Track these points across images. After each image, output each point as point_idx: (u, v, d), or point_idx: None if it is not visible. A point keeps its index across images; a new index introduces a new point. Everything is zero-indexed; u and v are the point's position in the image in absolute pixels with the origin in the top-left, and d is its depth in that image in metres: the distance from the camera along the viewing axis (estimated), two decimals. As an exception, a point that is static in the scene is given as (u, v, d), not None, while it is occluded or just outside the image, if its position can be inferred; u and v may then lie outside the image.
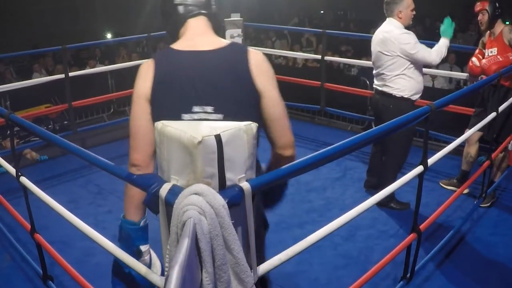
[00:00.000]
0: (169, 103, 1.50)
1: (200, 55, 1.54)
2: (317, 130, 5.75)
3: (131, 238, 1.66)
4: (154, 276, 1.64)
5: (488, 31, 3.67)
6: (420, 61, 3.42)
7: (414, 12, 3.48)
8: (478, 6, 3.57)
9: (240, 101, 1.50)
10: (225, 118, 1.46)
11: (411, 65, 3.44)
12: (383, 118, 3.52)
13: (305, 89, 5.78)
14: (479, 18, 3.59)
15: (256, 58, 1.57)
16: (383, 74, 3.53)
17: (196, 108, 1.48)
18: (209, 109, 1.48)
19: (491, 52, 3.60)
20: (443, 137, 4.44)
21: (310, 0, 13.43)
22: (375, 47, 3.56)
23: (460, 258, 3.07)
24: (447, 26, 3.61)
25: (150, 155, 1.54)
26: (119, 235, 1.71)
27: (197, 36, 1.61)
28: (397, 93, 3.48)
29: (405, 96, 3.48)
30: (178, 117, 1.47)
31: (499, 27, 3.58)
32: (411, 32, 3.44)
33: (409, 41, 3.36)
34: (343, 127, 5.93)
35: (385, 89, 3.54)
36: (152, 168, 1.55)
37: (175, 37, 1.67)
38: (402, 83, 3.46)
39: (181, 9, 1.63)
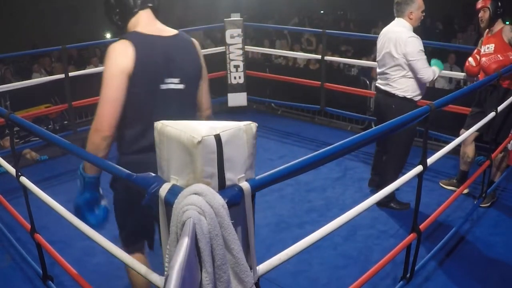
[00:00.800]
0: (147, 77, 1.87)
1: (166, 39, 1.96)
2: (317, 130, 5.75)
3: (94, 186, 2.00)
4: (154, 276, 1.64)
5: (487, 29, 3.67)
6: (415, 70, 3.38)
7: (423, 14, 3.46)
8: (480, 3, 3.56)
9: (194, 74, 2.04)
10: (185, 87, 1.96)
11: (408, 68, 3.42)
12: (385, 118, 3.52)
13: (305, 89, 5.79)
14: (480, 15, 3.58)
15: (197, 43, 2.09)
16: (387, 73, 3.52)
17: (167, 80, 1.91)
18: (176, 80, 1.93)
19: (488, 48, 3.58)
20: (443, 137, 4.44)
21: (310, 0, 13.43)
22: (382, 46, 3.54)
23: (460, 258, 3.07)
24: (438, 64, 3.61)
25: (115, 125, 1.86)
26: (81, 188, 1.99)
27: (155, 24, 2.00)
28: (400, 93, 3.47)
29: (408, 97, 3.47)
30: (157, 87, 1.89)
31: (499, 25, 3.57)
32: (419, 38, 3.40)
33: (414, 48, 3.34)
34: (343, 127, 5.93)
35: (388, 88, 3.53)
36: (112, 138, 1.88)
37: (124, 27, 2.00)
38: (406, 83, 3.45)
39: (133, 1, 1.96)
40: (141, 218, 2.04)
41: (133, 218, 2.12)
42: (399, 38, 3.37)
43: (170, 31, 2.00)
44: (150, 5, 1.98)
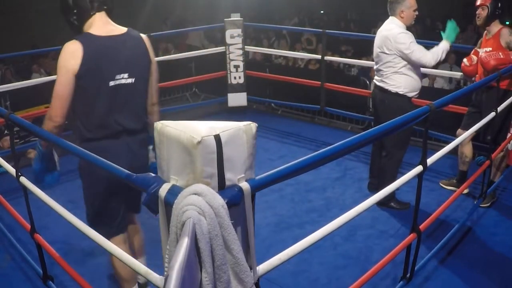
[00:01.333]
0: (94, 75, 2.08)
1: (116, 38, 2.16)
2: (317, 130, 5.75)
3: (48, 157, 2.42)
4: (154, 276, 1.64)
5: (485, 31, 3.66)
6: (415, 61, 3.44)
7: (416, 13, 3.50)
8: (480, 0, 3.53)
9: (143, 68, 2.24)
10: (135, 80, 2.19)
11: (408, 63, 3.46)
12: (379, 113, 3.68)
13: (305, 89, 5.79)
14: (478, 11, 3.56)
15: (147, 39, 2.28)
16: (381, 70, 3.59)
17: (117, 76, 2.14)
18: (125, 75, 2.16)
19: (485, 52, 3.56)
20: (442, 137, 4.44)
21: (310, 0, 13.43)
22: (376, 43, 3.61)
23: (460, 258, 3.07)
24: (450, 30, 3.61)
25: (64, 115, 2.13)
26: (38, 158, 2.35)
27: (107, 25, 2.18)
28: (392, 89, 3.53)
29: (400, 92, 3.52)
30: (105, 84, 2.11)
31: (496, 27, 3.55)
32: (409, 32, 3.46)
33: (405, 41, 3.39)
34: (343, 127, 5.93)
35: (382, 84, 3.61)
36: (61, 126, 2.17)
37: (80, 27, 2.17)
38: (398, 79, 3.50)
39: (90, 4, 2.14)
40: (107, 201, 2.31)
41: (100, 201, 2.33)
42: (389, 35, 3.44)
43: (120, 30, 2.19)
44: (105, 7, 2.19)
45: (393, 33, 3.42)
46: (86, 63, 2.05)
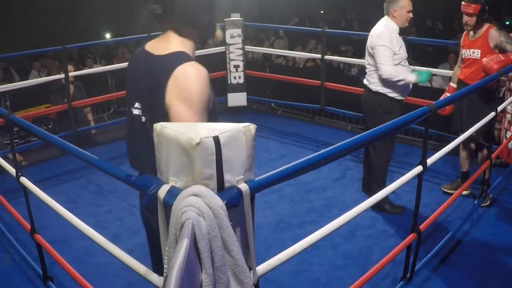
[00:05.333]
0: (128, 94, 1.74)
1: (149, 58, 1.62)
2: (317, 130, 5.75)
3: None
4: (154, 276, 1.64)
5: (466, 30, 3.62)
6: (376, 61, 3.41)
7: (410, 15, 3.47)
8: (467, 8, 3.44)
9: (156, 109, 1.54)
10: (146, 121, 1.60)
11: (394, 61, 3.41)
12: (363, 111, 3.70)
13: (305, 89, 5.78)
14: (465, 19, 3.50)
15: (178, 74, 1.49)
16: (366, 67, 3.61)
17: (136, 104, 1.65)
18: (141, 109, 1.64)
19: (473, 53, 3.54)
20: (443, 135, 4.43)
21: (310, 0, 13.43)
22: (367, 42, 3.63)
23: (460, 258, 3.07)
24: (425, 75, 3.54)
25: None
26: None
27: (162, 39, 1.64)
28: (373, 87, 3.54)
29: (381, 92, 3.49)
30: (129, 108, 1.69)
31: (483, 27, 3.50)
32: (395, 37, 3.40)
33: (380, 42, 3.37)
34: (343, 127, 5.93)
35: (365, 81, 3.63)
36: None
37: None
38: (378, 77, 3.48)
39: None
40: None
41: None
42: (375, 33, 3.46)
43: (166, 50, 1.59)
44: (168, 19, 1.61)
45: (378, 31, 3.44)
46: (126, 75, 1.76)
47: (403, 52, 3.46)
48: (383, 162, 3.63)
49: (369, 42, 3.52)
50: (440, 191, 3.92)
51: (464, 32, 3.69)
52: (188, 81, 1.48)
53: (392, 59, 3.38)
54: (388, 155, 3.64)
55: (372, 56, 3.49)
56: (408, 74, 3.44)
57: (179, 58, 1.53)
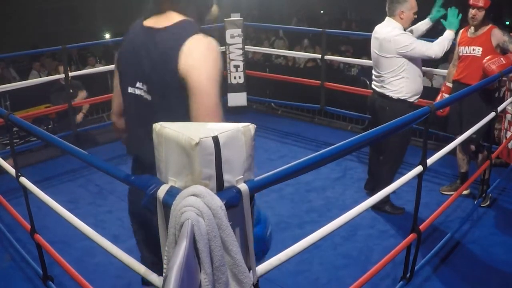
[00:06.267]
0: (123, 74, 1.67)
1: (152, 33, 1.55)
2: (317, 130, 5.75)
3: None
4: (154, 276, 1.64)
5: (468, 27, 3.59)
6: (419, 57, 3.36)
7: (415, 16, 3.42)
8: (478, 1, 3.42)
9: (166, 83, 1.49)
10: (152, 99, 1.55)
11: (408, 66, 3.37)
12: (378, 120, 3.49)
13: (305, 89, 5.78)
14: (473, 13, 3.45)
15: (190, 45, 1.46)
16: (381, 76, 3.50)
17: (138, 84, 1.59)
18: (145, 87, 1.57)
19: (473, 50, 3.51)
20: (442, 135, 4.43)
21: (310, 0, 13.43)
22: (373, 48, 3.54)
23: (460, 258, 3.07)
24: (452, 17, 3.49)
25: (118, 113, 1.81)
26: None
27: (161, 14, 1.59)
28: (393, 94, 3.44)
29: (402, 98, 3.43)
30: (126, 89, 1.64)
31: (486, 25, 3.48)
32: (407, 33, 3.38)
33: (405, 42, 3.31)
34: (343, 127, 5.93)
35: (382, 90, 3.51)
36: (120, 123, 1.81)
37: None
38: (399, 84, 3.41)
39: None
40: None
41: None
42: (388, 38, 3.35)
43: (166, 22, 1.55)
44: None
45: (392, 35, 3.33)
46: (119, 55, 1.69)
47: None
48: (391, 170, 3.55)
49: (379, 49, 3.42)
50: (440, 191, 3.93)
51: (462, 30, 3.65)
52: (203, 52, 1.46)
53: (422, 41, 3.34)
54: (396, 165, 3.58)
55: (383, 63, 3.40)
56: (445, 35, 3.41)
57: (187, 28, 1.51)
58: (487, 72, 3.39)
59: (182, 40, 1.47)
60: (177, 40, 1.47)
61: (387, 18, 3.46)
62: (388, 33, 3.37)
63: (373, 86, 3.68)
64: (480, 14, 3.44)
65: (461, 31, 3.67)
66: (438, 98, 3.76)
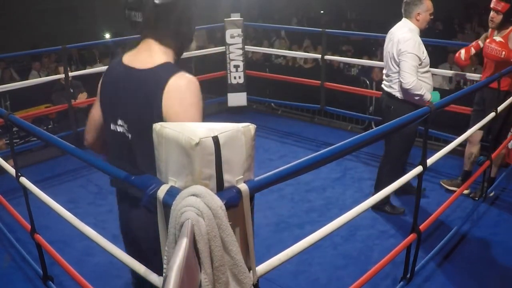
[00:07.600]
0: (105, 111, 1.68)
1: (132, 73, 1.56)
2: (317, 130, 5.75)
3: None
4: (153, 276, 1.64)
5: (490, 30, 3.63)
6: (401, 68, 3.31)
7: (432, 17, 3.41)
8: (498, 5, 3.45)
9: (145, 125, 1.46)
10: (132, 138, 1.57)
11: (418, 68, 3.34)
12: (384, 119, 3.50)
13: (305, 89, 5.79)
14: (492, 15, 3.50)
15: (172, 86, 1.46)
16: (389, 75, 3.48)
17: (120, 122, 1.60)
18: (126, 126, 1.58)
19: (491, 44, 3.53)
20: (443, 136, 4.43)
21: (310, 0, 13.44)
22: (385, 46, 3.53)
23: (460, 258, 3.07)
24: (437, 96, 3.44)
25: (95, 137, 1.79)
26: None
27: (142, 52, 1.59)
28: (399, 95, 3.42)
29: (407, 99, 3.41)
30: (109, 125, 1.65)
31: (507, 28, 3.50)
32: (420, 42, 3.34)
33: (404, 49, 3.28)
34: (343, 127, 5.93)
35: (390, 90, 3.49)
36: (98, 147, 1.82)
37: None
38: (399, 85, 3.39)
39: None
40: None
41: None
42: (400, 38, 3.33)
43: (149, 63, 1.54)
44: (150, 31, 1.59)
45: (404, 37, 3.31)
46: (101, 90, 1.69)
47: (427, 57, 3.38)
48: (392, 171, 3.49)
49: (391, 49, 3.39)
50: (440, 191, 3.92)
51: (490, 30, 3.69)
52: (185, 92, 1.47)
53: (417, 70, 3.29)
54: (400, 163, 3.55)
55: (396, 62, 3.37)
56: (427, 92, 3.35)
57: (168, 70, 1.50)
58: (485, 53, 3.44)
59: (162, 82, 1.47)
60: (158, 83, 1.48)
61: (403, 19, 3.45)
62: (402, 34, 3.35)
63: (382, 85, 3.67)
64: (498, 17, 3.48)
65: (490, 30, 3.70)
66: (463, 51, 3.74)
